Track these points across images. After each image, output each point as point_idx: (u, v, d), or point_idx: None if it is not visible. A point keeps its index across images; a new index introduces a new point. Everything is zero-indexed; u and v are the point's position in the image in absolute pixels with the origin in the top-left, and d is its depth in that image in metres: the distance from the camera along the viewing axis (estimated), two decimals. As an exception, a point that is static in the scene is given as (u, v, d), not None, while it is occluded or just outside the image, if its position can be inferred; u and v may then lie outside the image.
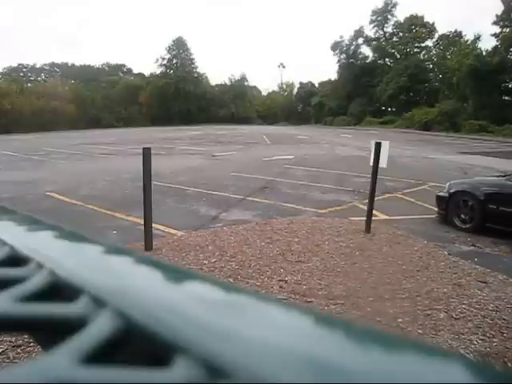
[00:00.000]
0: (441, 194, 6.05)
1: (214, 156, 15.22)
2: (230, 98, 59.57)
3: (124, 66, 66.00)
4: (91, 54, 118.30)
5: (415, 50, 49.54)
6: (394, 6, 50.09)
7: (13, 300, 0.22)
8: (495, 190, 5.39)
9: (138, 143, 18.46)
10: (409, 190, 8.32)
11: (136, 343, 0.19)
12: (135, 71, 65.50)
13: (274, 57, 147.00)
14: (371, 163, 5.26)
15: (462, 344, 2.77)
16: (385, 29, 51.66)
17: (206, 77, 62.64)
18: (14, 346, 2.58)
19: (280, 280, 3.77)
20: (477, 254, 4.64)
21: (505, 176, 5.74)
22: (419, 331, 2.92)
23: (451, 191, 5.87)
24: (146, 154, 4.48)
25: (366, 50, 54.00)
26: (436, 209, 6.28)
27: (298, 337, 0.18)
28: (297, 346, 0.17)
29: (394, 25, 50.98)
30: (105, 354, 0.18)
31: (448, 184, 6.09)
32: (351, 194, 8.06)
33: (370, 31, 52.79)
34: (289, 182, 9.34)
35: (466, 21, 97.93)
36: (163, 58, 58.00)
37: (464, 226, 5.59)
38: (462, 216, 5.66)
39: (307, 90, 61.55)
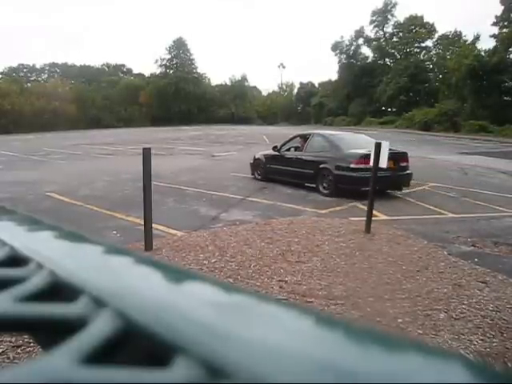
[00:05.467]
0: (251, 161, 9.73)
1: (213, 156, 15.23)
2: (230, 99, 59.61)
3: (124, 66, 66.11)
4: (91, 53, 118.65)
5: (415, 50, 49.55)
6: (394, 6, 50.14)
7: (13, 300, 0.22)
8: (270, 157, 9.13)
9: (138, 143, 18.47)
10: (409, 190, 8.32)
11: (136, 343, 0.19)
12: (135, 71, 65.68)
13: (274, 57, 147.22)
14: (371, 163, 5.26)
15: (461, 344, 2.77)
16: (385, 29, 51.71)
17: (206, 77, 62.77)
18: (13, 346, 2.58)
19: (280, 280, 3.77)
20: (477, 255, 4.63)
21: (275, 149, 9.14)
22: (419, 331, 2.92)
23: (255, 157, 9.65)
24: (146, 154, 4.49)
25: (366, 51, 54.07)
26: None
27: (298, 337, 0.18)
28: (297, 346, 0.17)
29: (393, 25, 51.01)
30: (105, 354, 0.18)
31: (254, 155, 9.78)
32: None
33: (370, 31, 52.86)
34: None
35: (466, 21, 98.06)
36: (163, 59, 58.13)
37: (259, 178, 9.34)
38: (258, 172, 9.40)
39: (307, 91, 61.55)
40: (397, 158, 7.45)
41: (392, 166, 6.90)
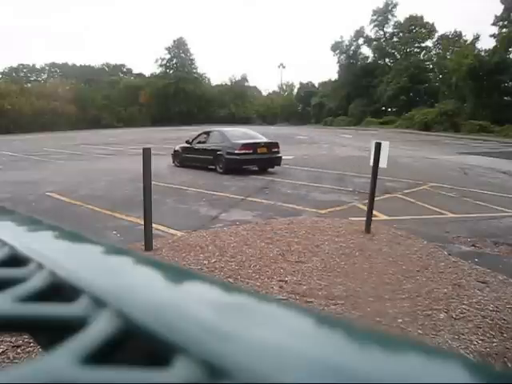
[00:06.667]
0: (172, 152, 12.20)
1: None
2: (230, 99, 59.60)
3: (124, 66, 66.10)
4: (91, 53, 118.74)
5: (415, 50, 49.56)
6: (395, 6, 50.14)
7: (13, 300, 0.22)
8: (185, 148, 11.51)
9: (138, 143, 18.48)
10: (409, 191, 8.32)
11: (136, 343, 0.19)
12: (135, 71, 65.67)
13: (275, 57, 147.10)
14: (371, 163, 5.26)
15: (462, 344, 2.77)
16: (385, 29, 51.72)
17: (206, 77, 62.80)
18: (13, 346, 2.58)
19: (280, 280, 3.77)
20: (477, 255, 4.63)
21: (188, 142, 11.49)
22: (419, 331, 2.92)
23: (175, 149, 12.05)
24: (146, 154, 4.49)
25: (367, 51, 54.10)
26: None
27: (298, 337, 0.18)
28: (297, 346, 0.17)
29: (394, 25, 51.03)
30: (105, 354, 0.18)
31: (174, 148, 12.17)
32: (351, 194, 8.06)
33: (370, 31, 52.88)
34: (289, 182, 9.34)
35: (466, 21, 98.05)
36: (163, 59, 58.11)
37: (178, 165, 11.69)
38: (177, 160, 11.80)
39: (307, 91, 61.56)
40: (270, 145, 10.60)
41: (266, 151, 10.38)
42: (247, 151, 9.97)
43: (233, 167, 10.06)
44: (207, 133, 11.50)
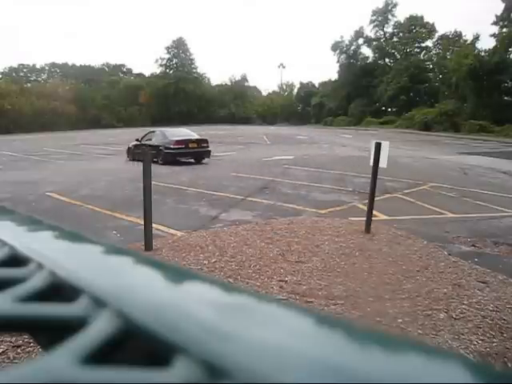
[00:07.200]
0: (126, 148, 14.30)
1: (213, 156, 15.22)
2: (230, 99, 59.61)
3: (124, 66, 66.11)
4: (91, 54, 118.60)
5: (415, 50, 49.58)
6: (395, 6, 50.18)
7: (13, 300, 0.22)
8: (135, 145, 13.35)
9: (138, 143, 18.44)
10: (409, 191, 8.32)
11: (136, 343, 0.19)
12: (135, 71, 65.67)
13: (275, 57, 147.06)
14: (371, 163, 5.25)
15: (462, 344, 2.77)
16: (385, 29, 51.76)
17: (206, 77, 62.79)
18: (13, 346, 2.58)
19: (280, 280, 3.77)
20: (477, 255, 4.63)
21: (137, 140, 13.55)
22: (419, 331, 2.92)
23: (128, 146, 14.03)
24: (146, 154, 4.49)
25: (367, 51, 54.14)
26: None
27: (298, 337, 0.18)
28: (296, 346, 0.17)
29: (394, 25, 51.07)
30: (105, 354, 0.18)
31: (128, 145, 14.18)
32: (351, 194, 8.06)
33: (370, 31, 52.93)
34: (289, 182, 9.35)
35: (466, 21, 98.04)
36: (163, 58, 58.13)
37: (130, 160, 13.50)
38: (130, 156, 13.64)
39: (307, 90, 61.57)
40: (200, 141, 13.05)
41: (197, 146, 12.82)
42: (180, 146, 12.39)
43: (170, 159, 12.18)
44: (152, 132, 13.79)
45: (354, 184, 9.03)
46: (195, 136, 13.32)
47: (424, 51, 49.77)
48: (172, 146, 12.34)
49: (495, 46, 34.80)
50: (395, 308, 3.26)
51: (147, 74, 61.84)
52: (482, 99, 33.49)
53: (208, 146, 13.02)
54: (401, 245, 4.85)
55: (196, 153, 12.83)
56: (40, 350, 0.24)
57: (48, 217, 5.63)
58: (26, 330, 0.22)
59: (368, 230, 5.24)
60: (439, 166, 12.63)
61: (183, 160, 12.55)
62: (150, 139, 13.25)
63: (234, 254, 4.44)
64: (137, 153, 12.81)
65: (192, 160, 12.83)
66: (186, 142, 12.57)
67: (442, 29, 77.88)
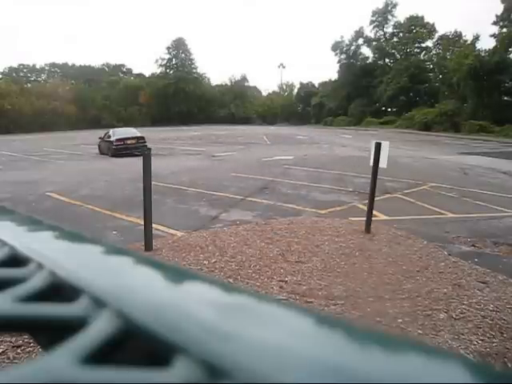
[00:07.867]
0: (97, 144, 17.51)
1: (213, 156, 15.23)
2: (230, 99, 59.62)
3: (124, 66, 66.13)
4: (91, 53, 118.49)
5: (415, 50, 49.55)
6: (394, 6, 50.15)
7: (13, 300, 0.22)
8: (99, 142, 17.23)
9: (138, 143, 18.49)
10: (409, 191, 8.32)
11: (136, 343, 0.19)
12: (135, 71, 65.71)
13: (275, 57, 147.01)
14: (371, 163, 5.25)
15: (461, 344, 2.77)
16: (385, 29, 51.74)
17: (206, 77, 62.79)
18: (13, 346, 2.58)
19: (280, 280, 3.77)
20: (477, 255, 4.63)
21: (100, 138, 17.07)
22: (419, 331, 2.92)
23: (98, 143, 17.32)
24: (146, 154, 4.49)
25: (367, 51, 54.12)
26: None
27: (298, 337, 0.18)
28: (296, 346, 0.17)
29: (394, 25, 51.03)
30: (105, 354, 0.18)
31: (99, 141, 17.34)
32: (351, 194, 8.06)
33: (370, 32, 52.92)
34: (289, 182, 9.34)
35: (466, 21, 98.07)
36: (163, 59, 58.13)
37: (98, 153, 16.93)
38: (99, 149, 17.07)
39: (307, 91, 61.55)
40: (137, 138, 15.99)
41: (135, 143, 15.59)
42: (120, 143, 15.54)
43: (115, 153, 15.22)
44: (108, 131, 16.89)
45: (354, 184, 9.03)
46: (135, 134, 16.44)
47: (424, 51, 49.74)
48: (115, 143, 15.59)
49: (495, 46, 34.77)
50: (395, 308, 3.26)
51: (147, 74, 61.91)
52: (482, 99, 33.49)
53: (145, 142, 15.80)
54: (401, 245, 4.85)
55: (133, 148, 15.38)
56: (40, 349, 0.24)
57: (48, 217, 5.64)
58: (26, 330, 0.22)
59: (368, 230, 5.25)
60: (439, 166, 12.62)
61: (124, 153, 15.18)
62: (108, 137, 16.40)
63: (234, 254, 4.44)
64: (101, 147, 16.92)
65: (137, 153, 14.45)
66: (124, 140, 15.65)
67: (442, 29, 78.02)
